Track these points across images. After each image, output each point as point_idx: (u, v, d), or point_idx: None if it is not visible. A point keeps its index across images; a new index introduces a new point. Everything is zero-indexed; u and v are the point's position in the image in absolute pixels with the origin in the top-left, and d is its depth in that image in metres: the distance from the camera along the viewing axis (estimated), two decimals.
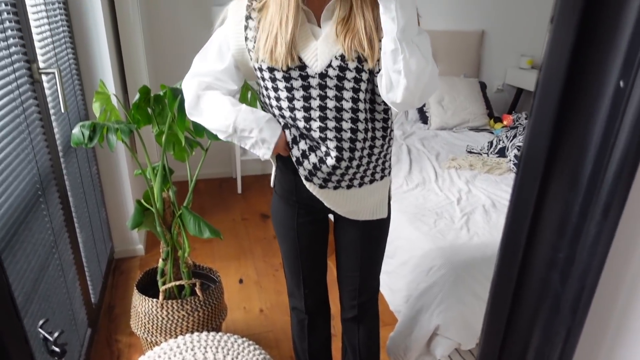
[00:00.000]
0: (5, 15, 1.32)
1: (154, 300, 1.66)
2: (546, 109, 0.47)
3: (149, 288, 1.82)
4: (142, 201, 1.68)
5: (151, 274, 1.86)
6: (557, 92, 0.46)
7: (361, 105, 1.10)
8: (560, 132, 0.47)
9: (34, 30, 1.56)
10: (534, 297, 0.54)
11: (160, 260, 1.74)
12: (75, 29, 2.06)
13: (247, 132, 1.11)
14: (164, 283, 1.72)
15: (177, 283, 1.70)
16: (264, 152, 1.13)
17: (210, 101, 1.15)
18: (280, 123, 1.14)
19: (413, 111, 3.38)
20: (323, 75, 1.06)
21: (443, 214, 1.97)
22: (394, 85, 1.01)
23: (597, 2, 0.43)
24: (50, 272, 1.47)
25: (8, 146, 1.25)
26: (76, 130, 1.46)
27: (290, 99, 1.10)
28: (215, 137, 1.30)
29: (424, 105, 3.33)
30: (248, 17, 1.09)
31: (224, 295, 1.87)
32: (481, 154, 2.72)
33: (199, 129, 1.62)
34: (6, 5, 1.33)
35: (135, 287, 1.74)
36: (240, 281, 2.35)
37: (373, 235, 1.31)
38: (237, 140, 1.14)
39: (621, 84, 0.43)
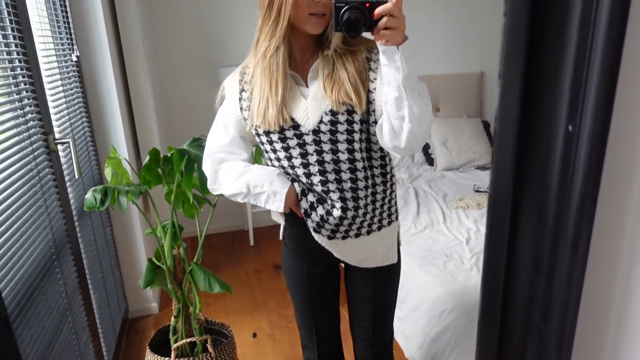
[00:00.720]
0: (24, 93, 1.43)
1: (166, 359, 1.65)
2: (506, 156, 0.50)
3: (162, 347, 1.82)
4: (154, 259, 1.72)
5: (164, 332, 1.86)
6: (514, 140, 0.49)
7: (357, 155, 1.14)
8: (521, 176, 0.50)
9: (50, 104, 1.67)
10: (519, 338, 0.55)
11: (173, 317, 1.75)
12: (90, 98, 2.19)
13: (260, 188, 1.17)
14: (176, 341, 1.72)
15: (188, 340, 1.69)
16: (278, 205, 1.16)
17: (225, 172, 1.23)
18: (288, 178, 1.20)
19: (419, 154, 3.43)
20: (316, 132, 1.12)
21: (452, 255, 1.96)
22: (396, 131, 1.06)
23: (537, 56, 0.47)
24: (64, 335, 1.49)
25: (25, 214, 1.31)
26: (89, 195, 1.53)
27: (289, 158, 1.16)
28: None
29: (429, 148, 3.38)
30: (242, 90, 1.19)
31: (237, 351, 1.85)
32: (488, 192, 2.72)
33: (205, 187, 1.68)
34: (25, 84, 1.44)
35: (147, 347, 1.74)
36: (254, 335, 2.33)
37: (384, 282, 1.31)
38: (253, 199, 1.20)
39: (570, 128, 0.47)
